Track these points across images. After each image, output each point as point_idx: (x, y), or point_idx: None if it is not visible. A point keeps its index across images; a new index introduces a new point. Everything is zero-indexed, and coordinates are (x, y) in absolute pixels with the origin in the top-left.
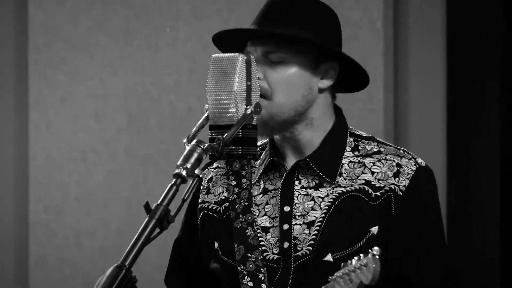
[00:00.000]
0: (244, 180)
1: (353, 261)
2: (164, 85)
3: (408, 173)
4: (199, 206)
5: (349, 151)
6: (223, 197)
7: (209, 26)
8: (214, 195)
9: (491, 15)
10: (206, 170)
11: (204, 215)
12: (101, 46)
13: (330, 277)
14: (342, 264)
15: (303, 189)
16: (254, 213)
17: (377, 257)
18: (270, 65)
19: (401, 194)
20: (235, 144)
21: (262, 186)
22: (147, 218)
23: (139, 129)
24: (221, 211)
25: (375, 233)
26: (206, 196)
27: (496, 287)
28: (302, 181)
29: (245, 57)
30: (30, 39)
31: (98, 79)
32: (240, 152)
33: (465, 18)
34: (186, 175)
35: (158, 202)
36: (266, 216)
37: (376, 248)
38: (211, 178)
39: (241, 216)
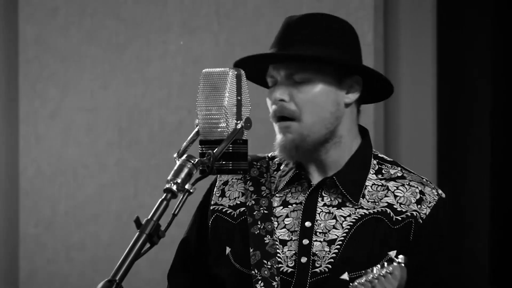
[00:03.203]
0: (263, 188)
1: (374, 269)
2: (154, 98)
3: (430, 202)
4: (211, 208)
5: (372, 174)
6: (239, 202)
7: (199, 39)
8: (229, 199)
9: (482, 28)
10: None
11: (216, 218)
12: (92, 59)
13: (350, 284)
14: (363, 271)
15: (325, 207)
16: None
17: (403, 265)
18: (294, 86)
19: (421, 221)
20: (226, 159)
21: (283, 198)
22: (138, 233)
23: (130, 142)
24: (235, 215)
25: (393, 257)
26: (220, 198)
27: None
28: (325, 198)
29: (235, 72)
30: (21, 52)
31: (89, 92)
32: (231, 167)
33: (455, 31)
34: (176, 190)
35: (149, 217)
36: (285, 229)
37: (401, 256)
38: (227, 181)
39: (259, 223)
